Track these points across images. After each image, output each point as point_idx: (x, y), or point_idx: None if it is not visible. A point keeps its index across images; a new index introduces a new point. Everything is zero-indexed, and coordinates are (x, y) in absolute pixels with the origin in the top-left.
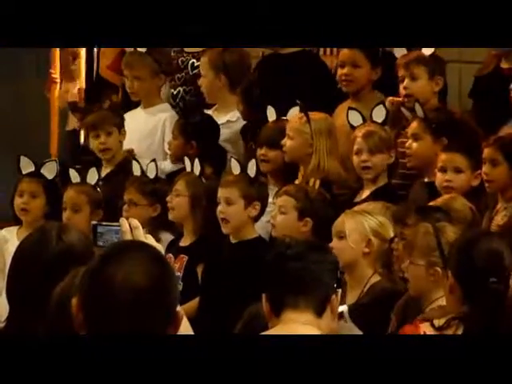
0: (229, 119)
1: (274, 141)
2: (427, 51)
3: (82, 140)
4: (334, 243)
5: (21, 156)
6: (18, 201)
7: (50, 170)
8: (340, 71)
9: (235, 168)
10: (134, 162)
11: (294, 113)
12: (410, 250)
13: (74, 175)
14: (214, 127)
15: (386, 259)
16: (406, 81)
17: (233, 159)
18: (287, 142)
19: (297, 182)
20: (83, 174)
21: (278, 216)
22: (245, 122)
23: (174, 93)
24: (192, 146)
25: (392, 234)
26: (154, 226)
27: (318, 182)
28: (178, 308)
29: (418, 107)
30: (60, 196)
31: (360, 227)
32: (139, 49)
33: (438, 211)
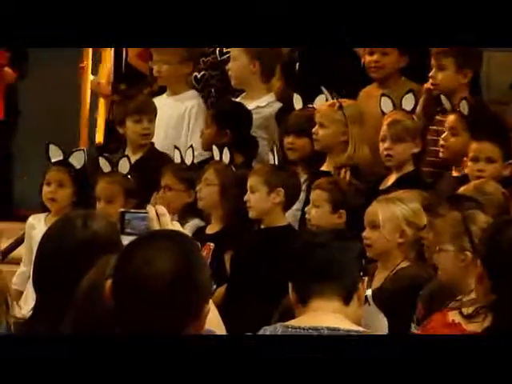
0: (258, 105)
1: (301, 129)
2: None
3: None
4: (368, 233)
5: (50, 144)
6: (45, 190)
7: (78, 159)
8: (369, 58)
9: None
10: (175, 150)
11: (321, 100)
12: (439, 238)
13: (104, 164)
14: (248, 115)
15: (419, 247)
16: (434, 70)
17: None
18: (320, 131)
19: (324, 168)
20: (113, 162)
21: (312, 210)
22: (279, 106)
23: (198, 76)
24: (226, 135)
25: (425, 222)
26: (188, 212)
27: (348, 173)
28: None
29: (444, 99)
30: (88, 185)
31: (394, 217)
32: None
33: (470, 200)
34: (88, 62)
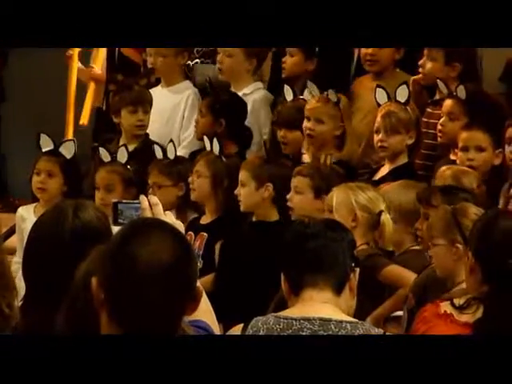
0: (244, 92)
1: (293, 122)
2: None
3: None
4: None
5: (41, 134)
6: (35, 179)
7: (68, 149)
8: (364, 51)
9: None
10: (155, 145)
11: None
12: (430, 232)
13: (104, 154)
14: (243, 105)
15: (375, 232)
16: (423, 59)
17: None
18: (317, 127)
19: (305, 159)
20: (110, 153)
21: (295, 197)
22: (264, 92)
23: (191, 64)
24: (221, 124)
25: (382, 208)
26: (182, 205)
27: (329, 158)
28: (198, 284)
29: (440, 84)
30: (79, 175)
31: (347, 201)
32: None
33: (464, 191)
34: (74, 52)
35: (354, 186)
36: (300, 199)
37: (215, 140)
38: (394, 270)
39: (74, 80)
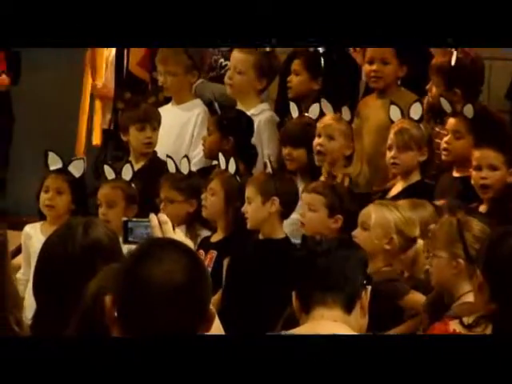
0: (252, 113)
1: (298, 140)
2: None
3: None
4: (357, 233)
5: (49, 152)
6: (43, 197)
7: (77, 168)
8: (368, 67)
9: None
10: (168, 160)
11: (316, 109)
12: (433, 243)
13: (108, 171)
14: (250, 123)
15: (402, 255)
16: (430, 84)
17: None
18: (328, 144)
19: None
20: (117, 170)
21: (308, 214)
22: (270, 114)
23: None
24: (229, 141)
25: (417, 234)
26: (192, 221)
27: (347, 179)
28: (211, 306)
29: (444, 102)
30: (86, 194)
31: (385, 222)
32: None
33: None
34: (88, 66)
35: (392, 206)
36: (313, 217)
37: (232, 159)
38: (415, 297)
39: (87, 97)
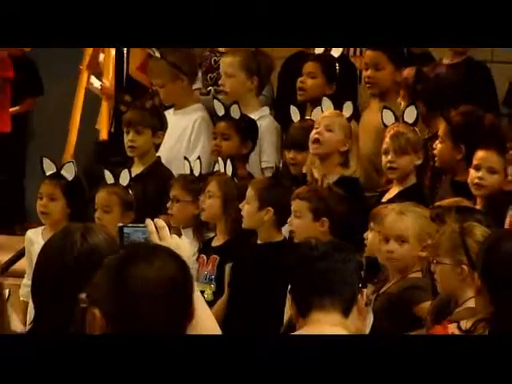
0: (252, 117)
1: (301, 143)
2: None
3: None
4: (393, 246)
5: (43, 158)
6: (38, 203)
7: (69, 171)
8: (364, 73)
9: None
10: (184, 161)
11: (319, 112)
12: (436, 250)
13: (108, 176)
14: (257, 126)
15: None
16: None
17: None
18: (326, 134)
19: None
20: (116, 175)
21: (294, 221)
22: (269, 120)
23: (206, 92)
24: (247, 146)
25: None
26: (199, 224)
27: (326, 181)
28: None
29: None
30: (83, 197)
31: (421, 233)
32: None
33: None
34: (83, 71)
35: (413, 212)
36: (299, 223)
37: (229, 161)
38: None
39: (80, 100)
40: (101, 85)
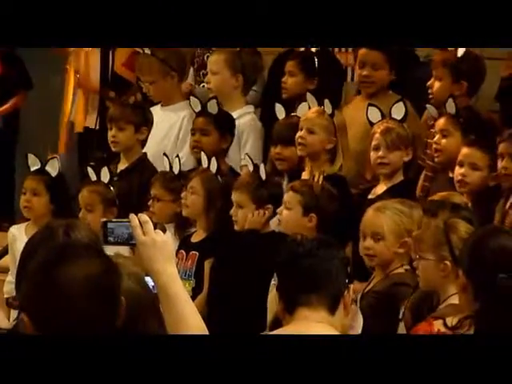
0: (234, 115)
1: (287, 138)
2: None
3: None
4: (370, 243)
5: (28, 154)
6: (22, 198)
7: (53, 167)
8: (359, 72)
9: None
10: (163, 157)
11: (304, 108)
12: (419, 245)
13: (91, 173)
14: (233, 120)
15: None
16: (432, 80)
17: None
18: (308, 137)
19: (304, 177)
20: (98, 172)
21: (284, 211)
22: (250, 117)
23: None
24: (227, 141)
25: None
26: (180, 221)
27: (321, 177)
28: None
29: (450, 103)
30: (67, 193)
31: (399, 229)
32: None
33: (466, 209)
34: (71, 67)
35: (395, 208)
36: (288, 214)
37: (214, 158)
38: None
39: (69, 96)
40: (78, 77)
